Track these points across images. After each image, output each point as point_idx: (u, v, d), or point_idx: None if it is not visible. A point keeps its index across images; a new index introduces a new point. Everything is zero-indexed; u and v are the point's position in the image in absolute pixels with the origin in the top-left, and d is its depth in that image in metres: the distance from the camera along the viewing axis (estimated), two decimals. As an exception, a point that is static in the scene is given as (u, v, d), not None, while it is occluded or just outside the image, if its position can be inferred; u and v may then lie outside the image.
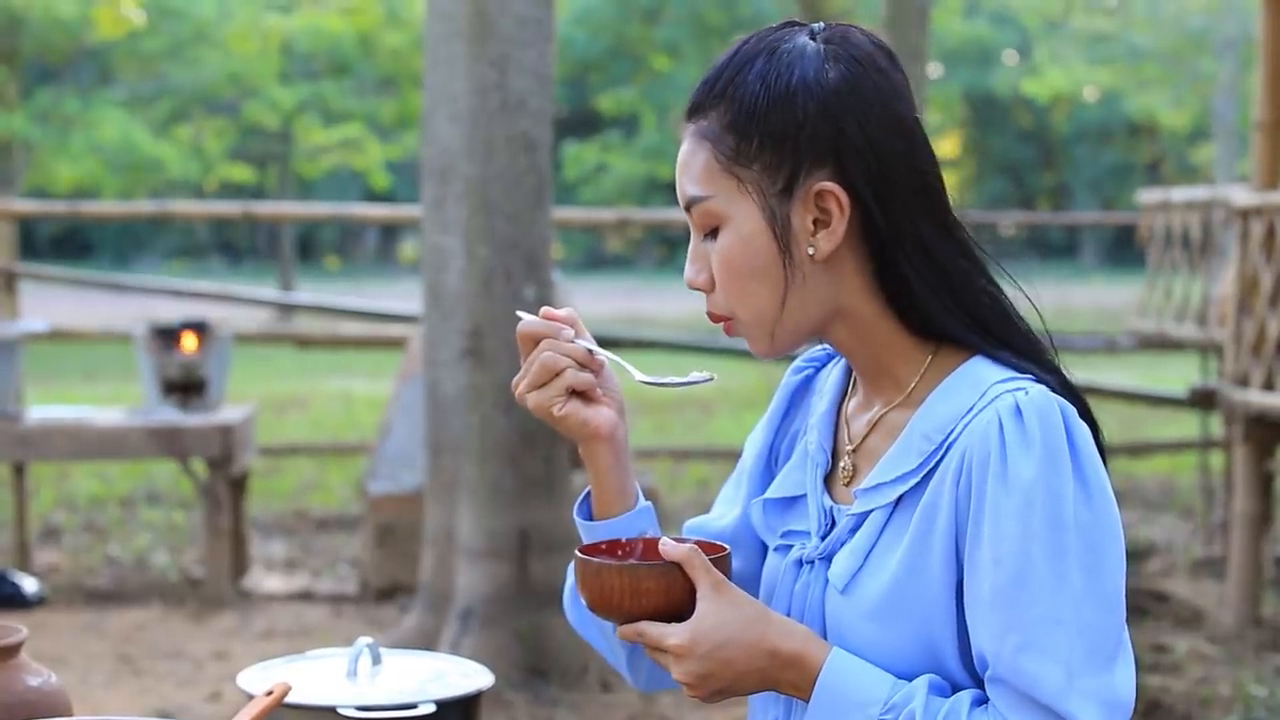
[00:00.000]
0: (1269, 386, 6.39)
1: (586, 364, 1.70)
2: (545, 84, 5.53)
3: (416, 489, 6.74)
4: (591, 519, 1.78)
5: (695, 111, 1.65)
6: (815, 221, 1.61)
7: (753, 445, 1.85)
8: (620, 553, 1.72)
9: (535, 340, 1.70)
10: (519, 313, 1.74)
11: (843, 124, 1.60)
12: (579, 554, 1.64)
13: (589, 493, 1.78)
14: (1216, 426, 8.26)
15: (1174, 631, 6.35)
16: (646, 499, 1.79)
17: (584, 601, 1.63)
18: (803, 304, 1.63)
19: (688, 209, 1.66)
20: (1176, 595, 6.89)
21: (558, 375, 1.68)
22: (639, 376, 1.73)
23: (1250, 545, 6.44)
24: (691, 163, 1.65)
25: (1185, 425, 10.72)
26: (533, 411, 1.70)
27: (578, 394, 1.70)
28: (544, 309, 1.72)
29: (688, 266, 1.68)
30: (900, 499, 1.62)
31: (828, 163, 1.60)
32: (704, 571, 1.59)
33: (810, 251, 1.62)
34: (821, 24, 1.66)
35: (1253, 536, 6.45)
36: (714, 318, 1.68)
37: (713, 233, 1.65)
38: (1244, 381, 6.55)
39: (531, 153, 5.49)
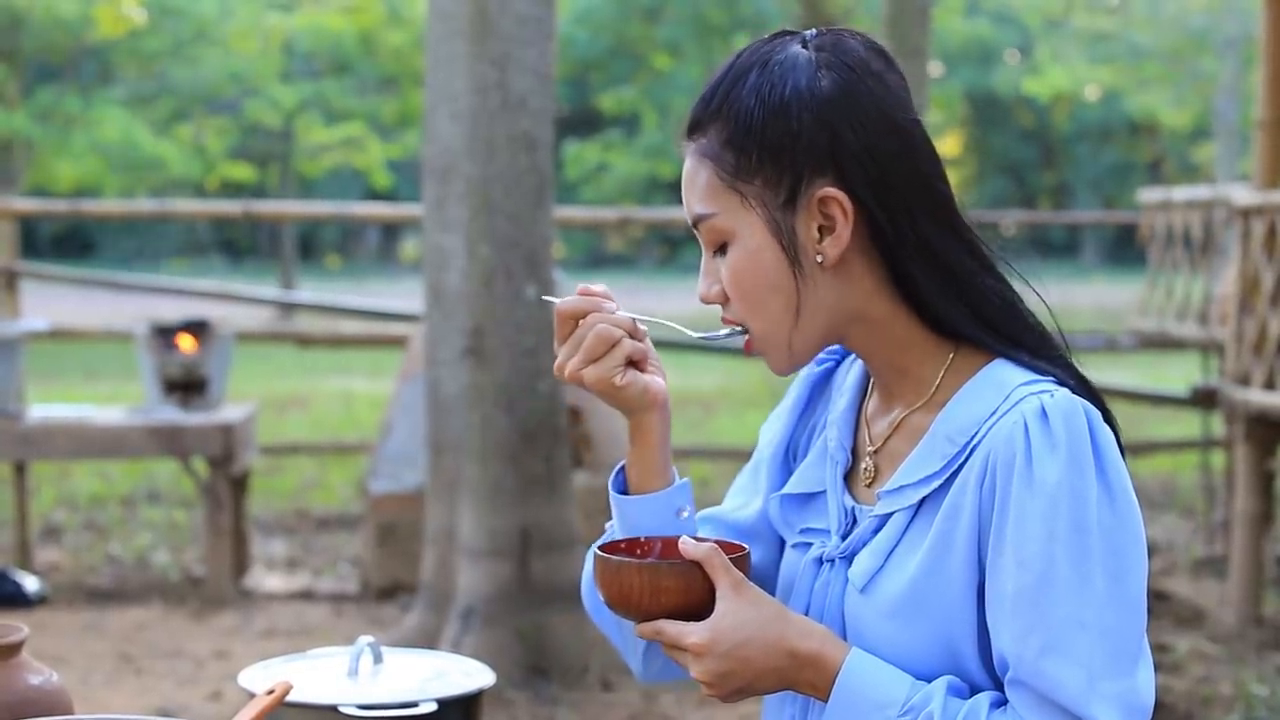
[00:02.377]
0: (1270, 386, 6.39)
1: (634, 333, 1.70)
2: (546, 83, 5.53)
3: (417, 488, 6.74)
4: (627, 493, 1.76)
5: (694, 129, 1.66)
6: (820, 229, 1.62)
7: (770, 434, 1.85)
8: (639, 551, 1.72)
9: (576, 319, 1.68)
10: (547, 298, 1.76)
11: (838, 131, 1.60)
12: (598, 551, 1.65)
13: (624, 466, 1.77)
14: (1218, 426, 8.25)
15: (1175, 631, 6.35)
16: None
17: (602, 599, 1.63)
18: (816, 312, 1.64)
19: (695, 226, 1.67)
20: (1178, 594, 6.89)
21: (615, 346, 1.67)
22: (692, 335, 1.73)
23: (1251, 544, 6.44)
24: (695, 181, 1.66)
25: (1186, 424, 10.72)
26: (590, 387, 1.67)
27: (633, 363, 1.70)
28: (580, 286, 1.71)
29: (700, 282, 1.69)
30: (923, 501, 1.62)
31: (828, 170, 1.61)
32: (724, 571, 1.60)
33: (819, 259, 1.62)
34: (814, 31, 1.67)
35: (1254, 535, 6.45)
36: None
37: (722, 248, 1.65)
38: (1245, 381, 6.55)
39: (532, 152, 5.49)
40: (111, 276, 11.99)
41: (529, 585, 5.44)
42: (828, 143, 1.60)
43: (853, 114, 1.61)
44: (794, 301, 1.63)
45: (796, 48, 1.64)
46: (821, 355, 1.84)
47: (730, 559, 1.62)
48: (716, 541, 1.66)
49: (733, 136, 1.62)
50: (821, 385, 1.83)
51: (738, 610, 1.59)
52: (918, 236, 1.62)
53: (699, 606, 1.60)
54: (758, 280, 1.63)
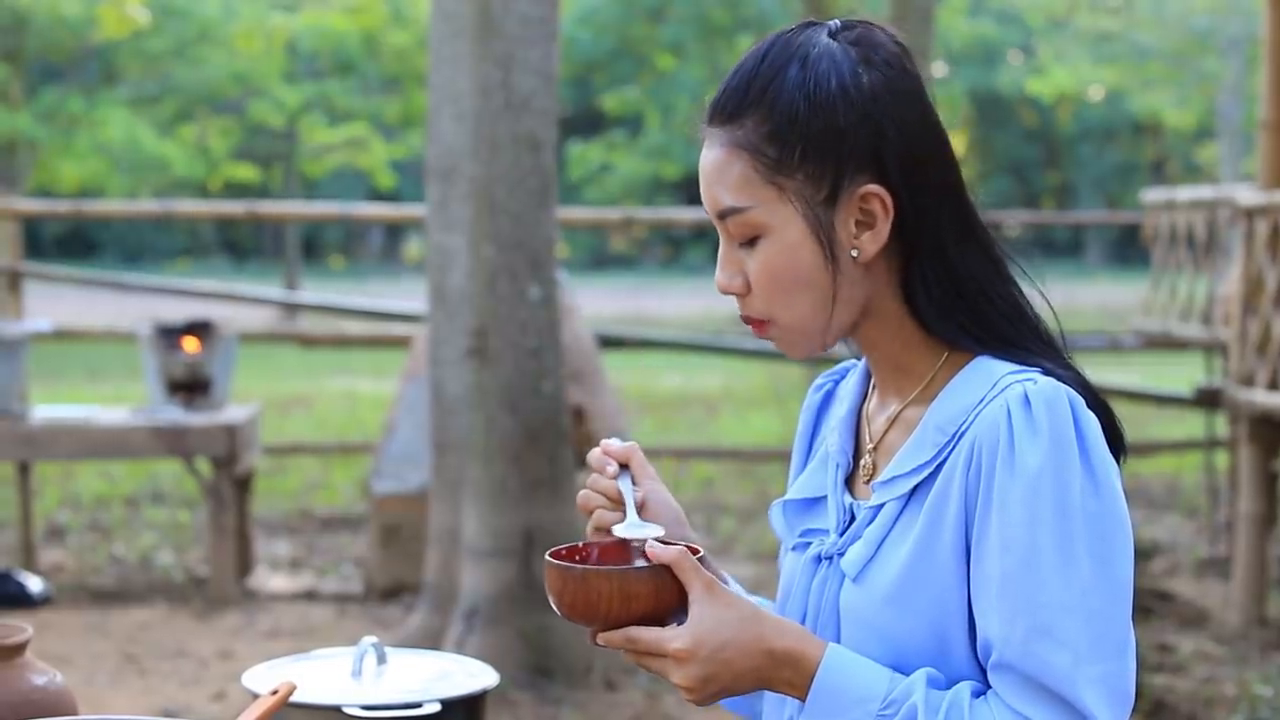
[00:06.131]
0: (1274, 386, 6.38)
1: (620, 502, 1.72)
2: (550, 83, 5.53)
3: (421, 488, 6.74)
4: None
5: (728, 119, 1.64)
6: (858, 224, 1.62)
7: (791, 473, 1.86)
8: (578, 557, 1.69)
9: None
10: (605, 443, 1.77)
11: (883, 128, 1.61)
12: (553, 561, 1.60)
13: None
14: (1221, 426, 8.24)
15: (1179, 631, 6.35)
16: None
17: (560, 609, 1.59)
18: (844, 306, 1.64)
19: (721, 218, 1.64)
20: (1181, 595, 6.89)
21: (590, 513, 1.73)
22: (621, 530, 1.72)
23: (1255, 545, 6.44)
24: (726, 173, 1.63)
25: (1190, 425, 10.71)
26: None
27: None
28: (603, 442, 1.76)
29: (719, 272, 1.67)
30: (914, 490, 1.63)
31: (869, 167, 1.61)
32: (695, 573, 1.58)
33: (854, 254, 1.62)
34: (839, 22, 1.66)
35: (1258, 536, 6.45)
36: (749, 320, 1.68)
37: (749, 241, 1.64)
38: (1249, 381, 6.55)
39: (536, 152, 5.49)
40: (115, 277, 12.00)
41: (533, 585, 5.44)
42: (872, 140, 1.60)
43: (895, 112, 1.61)
44: (827, 296, 1.63)
45: (830, 40, 1.63)
46: (820, 380, 1.85)
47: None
48: (666, 542, 1.63)
49: (776, 130, 1.61)
50: (824, 408, 1.84)
51: (715, 613, 1.57)
52: (937, 240, 1.63)
53: (666, 611, 1.57)
54: (792, 275, 1.62)
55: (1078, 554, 1.53)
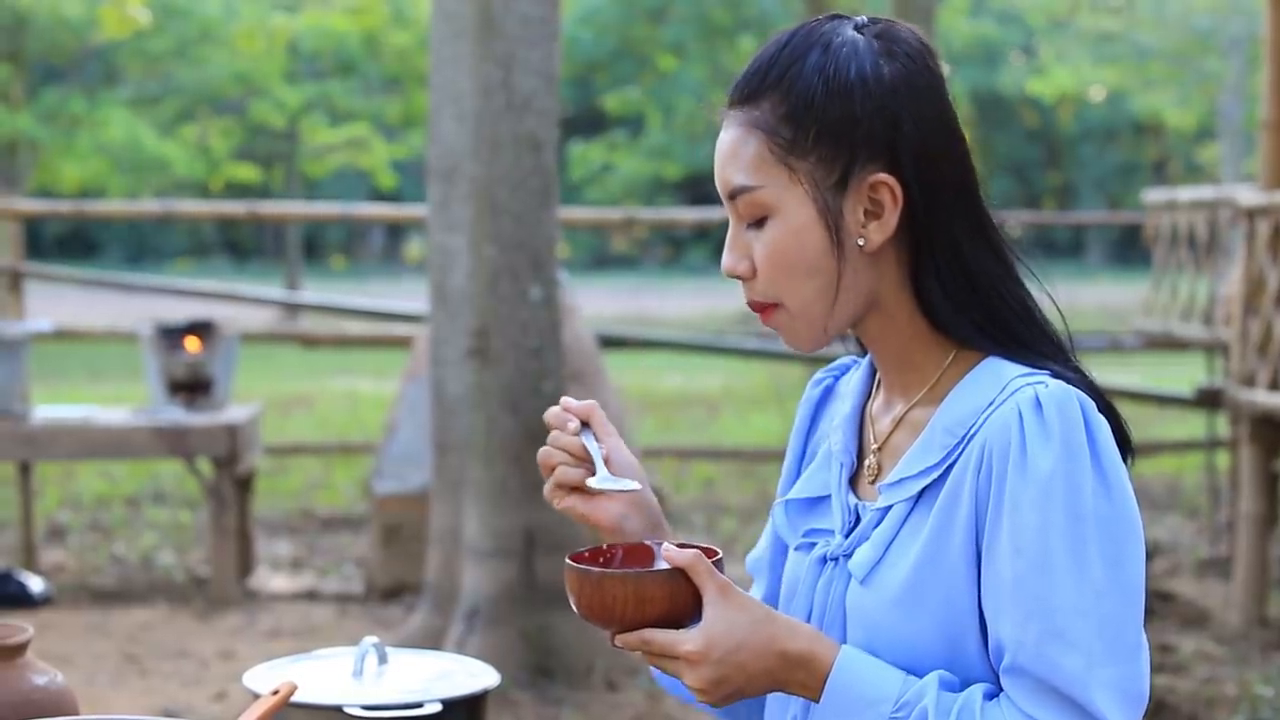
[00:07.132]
0: (1275, 386, 6.38)
1: (584, 459, 1.73)
2: (551, 83, 5.53)
3: (422, 488, 6.74)
4: None
5: (746, 100, 1.65)
6: (866, 212, 1.62)
7: (785, 467, 1.86)
8: (602, 560, 1.69)
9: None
10: (565, 400, 1.77)
11: (899, 120, 1.61)
12: (572, 564, 1.61)
13: None
14: (1222, 426, 8.24)
15: (1180, 631, 6.34)
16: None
17: (579, 611, 1.60)
18: (848, 295, 1.64)
19: (731, 197, 1.65)
20: (1182, 595, 6.89)
21: (551, 470, 1.73)
22: (595, 481, 1.73)
23: (1256, 545, 6.44)
24: (741, 152, 1.64)
25: (1191, 425, 10.70)
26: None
27: (576, 488, 1.73)
28: (563, 399, 1.76)
29: (726, 255, 1.67)
30: (922, 492, 1.63)
31: (881, 157, 1.62)
32: (709, 576, 1.58)
33: (860, 243, 1.63)
34: (865, 18, 1.68)
35: (1259, 536, 6.45)
36: (755, 305, 1.68)
37: (757, 222, 1.65)
38: (1250, 381, 6.55)
39: (537, 152, 5.49)
40: (116, 277, 12.01)
41: (534, 586, 5.44)
42: (887, 131, 1.61)
43: (913, 105, 1.62)
44: (832, 283, 1.63)
45: (853, 32, 1.65)
46: (820, 375, 1.85)
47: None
48: (682, 545, 1.64)
49: (792, 111, 1.62)
50: (823, 403, 1.84)
51: (728, 615, 1.57)
52: (950, 236, 1.63)
53: (682, 613, 1.58)
54: (798, 258, 1.63)
55: (1090, 557, 1.53)
